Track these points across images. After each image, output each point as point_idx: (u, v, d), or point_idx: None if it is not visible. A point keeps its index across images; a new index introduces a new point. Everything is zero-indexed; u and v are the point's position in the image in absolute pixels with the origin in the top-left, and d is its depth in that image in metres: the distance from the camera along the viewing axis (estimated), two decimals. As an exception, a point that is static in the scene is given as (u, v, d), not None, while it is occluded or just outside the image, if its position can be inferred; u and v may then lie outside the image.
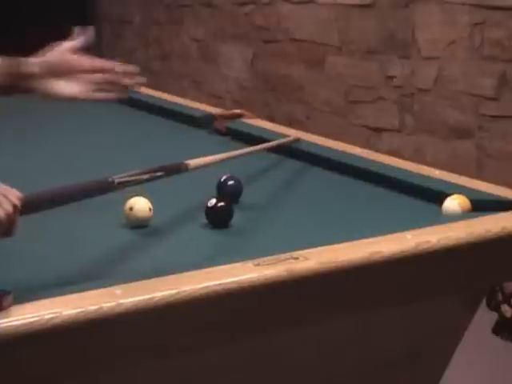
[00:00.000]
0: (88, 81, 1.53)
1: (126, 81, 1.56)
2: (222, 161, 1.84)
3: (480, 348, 2.63)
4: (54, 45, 1.54)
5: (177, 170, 1.69)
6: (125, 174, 1.53)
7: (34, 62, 1.53)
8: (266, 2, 4.66)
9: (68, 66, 1.53)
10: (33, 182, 1.44)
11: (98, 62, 1.55)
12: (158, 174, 1.60)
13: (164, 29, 5.57)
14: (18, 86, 1.53)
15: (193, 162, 1.72)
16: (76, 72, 1.53)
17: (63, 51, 1.54)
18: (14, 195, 1.26)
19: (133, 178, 1.54)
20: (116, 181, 1.50)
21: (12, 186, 1.28)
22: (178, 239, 1.65)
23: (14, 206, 1.25)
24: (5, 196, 1.24)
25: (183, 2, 5.36)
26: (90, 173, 1.54)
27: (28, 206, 1.29)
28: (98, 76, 1.54)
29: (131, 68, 1.57)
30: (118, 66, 1.56)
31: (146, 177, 1.56)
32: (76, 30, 1.55)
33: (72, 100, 1.54)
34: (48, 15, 5.77)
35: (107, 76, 1.55)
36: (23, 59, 1.52)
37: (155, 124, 2.58)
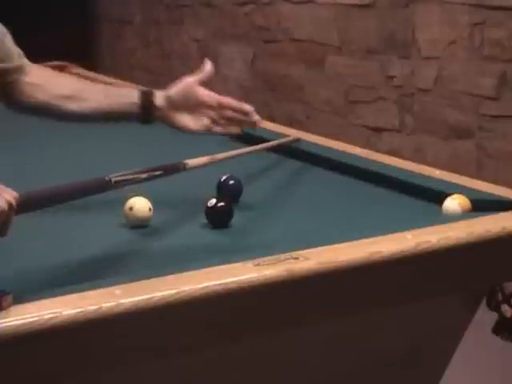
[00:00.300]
0: (210, 116, 1.63)
1: (246, 119, 1.66)
2: (221, 160, 1.84)
3: (480, 348, 2.62)
4: (180, 79, 1.65)
5: (175, 169, 1.69)
6: (122, 173, 1.53)
7: (161, 96, 1.63)
8: (266, 1, 4.67)
9: (192, 102, 1.63)
10: (32, 184, 1.44)
11: (221, 99, 1.64)
12: (156, 173, 1.60)
13: (164, 29, 5.57)
14: (147, 116, 1.64)
15: (191, 162, 1.72)
16: (199, 107, 1.63)
17: (188, 86, 1.64)
18: (10, 194, 1.25)
19: (130, 176, 1.54)
20: (113, 180, 1.50)
21: (8, 185, 1.27)
22: (177, 239, 1.65)
23: (10, 205, 1.23)
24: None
25: (183, 2, 5.36)
26: (90, 173, 1.54)
27: (23, 205, 1.28)
28: (220, 112, 1.63)
29: (249, 107, 1.65)
30: (239, 104, 1.65)
31: (143, 176, 1.57)
32: (204, 61, 1.67)
33: (193, 132, 1.66)
34: (48, 15, 5.78)
35: (228, 113, 1.64)
36: (154, 92, 1.63)
37: (155, 124, 2.57)
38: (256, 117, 1.66)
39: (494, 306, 1.62)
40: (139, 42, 5.85)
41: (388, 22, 3.96)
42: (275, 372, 1.46)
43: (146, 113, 1.63)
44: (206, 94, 1.64)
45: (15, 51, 1.63)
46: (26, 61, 1.64)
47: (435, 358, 1.68)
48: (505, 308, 1.61)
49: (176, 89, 1.64)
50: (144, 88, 1.66)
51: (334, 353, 1.52)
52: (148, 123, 1.65)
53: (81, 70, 3.28)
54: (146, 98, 1.63)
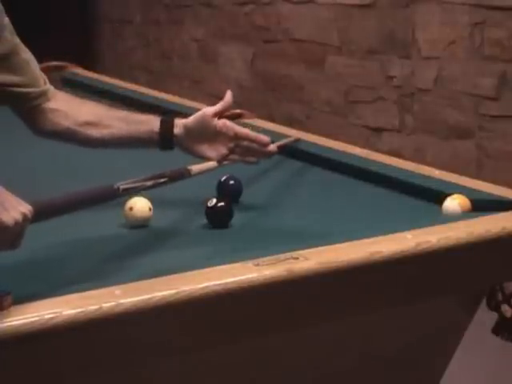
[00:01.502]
0: (227, 146, 1.66)
1: (262, 150, 1.68)
2: (224, 165, 1.85)
3: (480, 348, 2.62)
4: (200, 112, 1.68)
5: (180, 176, 1.70)
6: (129, 181, 1.55)
7: (181, 125, 1.66)
8: (266, 1, 4.67)
9: (210, 132, 1.66)
10: (39, 191, 1.45)
11: (239, 130, 1.67)
12: (162, 180, 1.62)
13: (164, 29, 5.57)
14: (166, 144, 1.66)
15: (195, 168, 1.74)
16: (217, 137, 1.66)
17: (206, 116, 1.66)
18: (25, 207, 1.27)
19: (137, 184, 1.56)
20: (121, 188, 1.53)
21: (17, 193, 1.28)
22: (178, 239, 1.65)
23: (24, 216, 1.26)
24: (15, 206, 1.25)
25: (183, 2, 5.36)
26: (93, 177, 1.55)
27: (35, 216, 1.30)
28: (238, 142, 1.66)
29: (266, 139, 1.68)
30: (256, 136, 1.67)
31: (149, 183, 1.59)
32: (226, 93, 1.69)
33: (210, 160, 1.70)
34: (48, 15, 5.78)
35: (245, 143, 1.67)
36: (174, 121, 1.67)
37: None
38: (272, 147, 1.70)
39: (493, 306, 1.62)
40: (139, 41, 5.85)
41: (388, 21, 3.96)
42: (275, 372, 1.46)
43: (166, 141, 1.66)
44: (223, 126, 1.66)
45: (41, 76, 1.66)
46: (50, 86, 1.68)
47: (435, 357, 1.68)
48: (505, 308, 1.61)
49: (194, 119, 1.67)
50: (165, 117, 1.68)
51: (334, 353, 1.52)
52: (167, 150, 1.68)
53: (81, 70, 3.28)
54: (166, 127, 1.66)
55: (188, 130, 1.66)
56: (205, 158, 1.70)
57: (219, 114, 1.67)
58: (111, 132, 1.66)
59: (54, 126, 1.66)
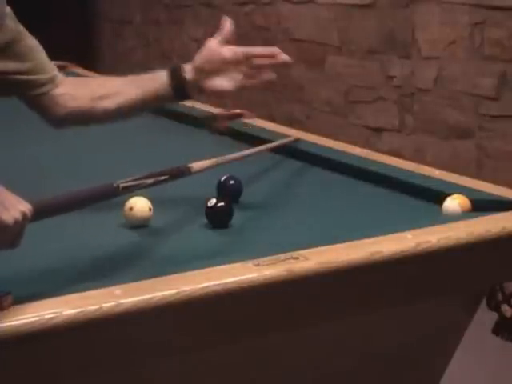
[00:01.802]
0: (241, 70, 1.61)
1: (275, 61, 1.62)
2: (225, 163, 1.85)
3: (480, 348, 2.62)
4: (203, 45, 1.63)
5: (180, 173, 1.69)
6: (129, 179, 1.54)
7: (189, 68, 1.62)
8: (266, 1, 4.67)
9: (218, 64, 1.61)
10: (35, 185, 1.45)
11: (246, 51, 1.62)
12: (162, 178, 1.61)
13: (164, 29, 5.57)
14: (181, 93, 1.63)
15: (195, 165, 1.73)
16: (227, 66, 1.61)
17: (211, 49, 1.62)
18: (25, 206, 1.26)
19: (137, 182, 1.55)
20: (121, 186, 1.51)
21: (17, 192, 1.28)
22: (178, 239, 1.65)
23: (24, 215, 1.25)
24: (14, 205, 1.25)
25: (183, 2, 5.36)
26: (93, 175, 1.55)
27: (34, 215, 1.29)
28: (249, 63, 1.61)
29: (275, 49, 1.63)
30: (264, 49, 1.64)
31: (150, 181, 1.57)
32: (223, 20, 1.66)
33: (228, 93, 1.63)
34: (48, 15, 5.78)
35: (257, 61, 1.61)
36: (183, 67, 1.62)
37: (155, 124, 2.58)
38: (284, 56, 1.63)
39: (493, 306, 1.62)
40: (139, 42, 5.85)
41: (388, 21, 3.96)
42: (275, 372, 1.46)
43: (180, 90, 1.62)
44: (229, 52, 1.62)
45: (48, 63, 1.65)
46: (58, 73, 1.66)
47: (435, 357, 1.68)
48: (505, 308, 1.61)
49: (200, 56, 1.63)
50: (172, 67, 1.64)
51: (334, 353, 1.52)
52: (184, 99, 1.65)
53: (81, 70, 3.28)
54: (177, 76, 1.62)
55: (198, 70, 1.62)
56: (224, 91, 1.63)
57: (222, 43, 1.63)
58: (125, 98, 1.64)
59: (66, 110, 1.64)
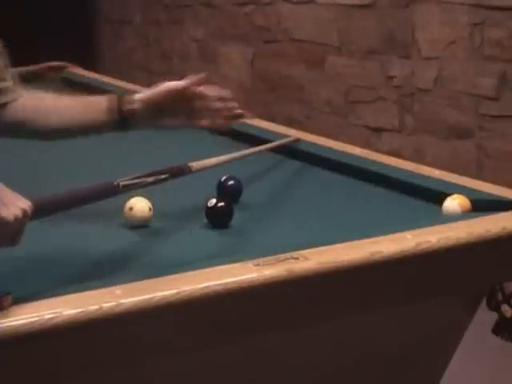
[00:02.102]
0: (191, 110, 1.60)
1: (234, 111, 1.63)
2: (225, 162, 1.85)
3: (480, 348, 2.62)
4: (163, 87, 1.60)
5: (181, 172, 1.69)
6: (129, 177, 1.53)
7: (136, 99, 1.59)
8: (266, 1, 4.67)
9: (177, 105, 1.59)
10: (35, 185, 1.45)
11: (199, 91, 1.61)
12: (163, 176, 1.61)
13: (164, 29, 5.57)
14: (125, 123, 1.60)
15: (196, 164, 1.73)
16: (177, 102, 1.59)
17: (173, 92, 1.59)
18: (24, 203, 1.26)
19: (137, 180, 1.54)
20: (121, 184, 1.51)
21: (17, 190, 1.28)
22: (178, 239, 1.65)
23: (24, 212, 1.25)
24: (14, 202, 1.25)
25: (183, 2, 5.36)
26: (93, 175, 1.55)
27: (34, 213, 1.29)
28: (203, 104, 1.61)
29: (226, 93, 1.63)
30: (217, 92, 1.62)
31: (150, 180, 1.57)
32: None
33: (175, 128, 1.64)
34: (48, 15, 5.78)
35: (211, 104, 1.61)
36: (127, 97, 1.59)
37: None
38: (239, 110, 1.64)
39: (493, 306, 1.62)
40: (139, 41, 5.85)
41: (388, 22, 3.96)
42: (275, 372, 1.46)
43: (122, 118, 1.59)
44: (181, 89, 1.60)
45: (7, 75, 1.62)
46: (17, 88, 1.63)
47: (435, 357, 1.68)
48: (505, 308, 1.61)
49: (156, 94, 1.61)
50: (118, 94, 1.62)
51: (334, 353, 1.52)
52: (125, 129, 1.62)
53: (81, 70, 3.28)
54: (121, 101, 1.59)
55: (149, 104, 1.59)
56: (170, 128, 1.64)
57: (180, 89, 1.60)
58: (70, 117, 1.61)
59: (13, 121, 1.61)
